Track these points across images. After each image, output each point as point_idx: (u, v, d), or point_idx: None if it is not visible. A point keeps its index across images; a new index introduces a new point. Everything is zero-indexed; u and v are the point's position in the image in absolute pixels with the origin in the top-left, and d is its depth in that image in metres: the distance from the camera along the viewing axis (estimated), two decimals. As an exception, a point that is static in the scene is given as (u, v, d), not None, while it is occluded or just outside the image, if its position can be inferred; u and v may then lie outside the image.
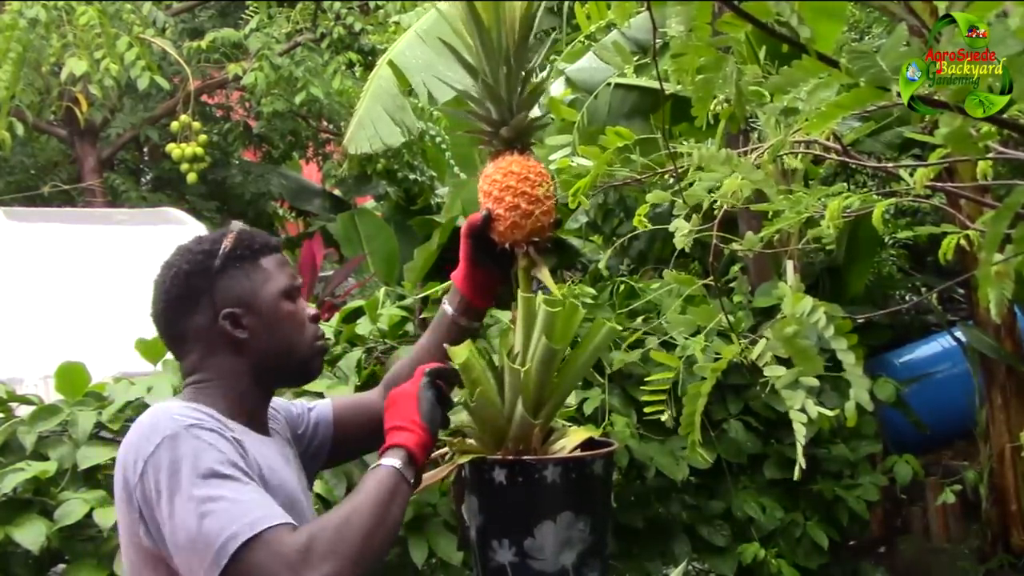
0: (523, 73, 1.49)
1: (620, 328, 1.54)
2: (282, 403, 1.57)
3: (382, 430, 1.54)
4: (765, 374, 1.29)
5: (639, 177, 1.54)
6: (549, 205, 1.48)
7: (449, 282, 1.61)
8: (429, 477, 1.44)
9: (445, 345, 1.47)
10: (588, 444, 1.51)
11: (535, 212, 1.47)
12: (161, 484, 1.21)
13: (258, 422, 1.42)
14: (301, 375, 1.46)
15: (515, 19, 1.45)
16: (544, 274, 1.49)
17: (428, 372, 1.41)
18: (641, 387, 1.77)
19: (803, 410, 1.28)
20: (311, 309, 1.45)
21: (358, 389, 2.64)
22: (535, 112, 1.59)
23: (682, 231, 1.47)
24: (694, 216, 1.47)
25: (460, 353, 1.42)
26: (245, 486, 1.21)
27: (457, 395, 1.48)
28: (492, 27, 1.45)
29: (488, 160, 1.53)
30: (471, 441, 1.47)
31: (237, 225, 1.43)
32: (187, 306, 1.37)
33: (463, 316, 1.56)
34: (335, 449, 1.59)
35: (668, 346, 3.15)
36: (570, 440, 1.49)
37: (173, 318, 1.38)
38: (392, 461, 1.31)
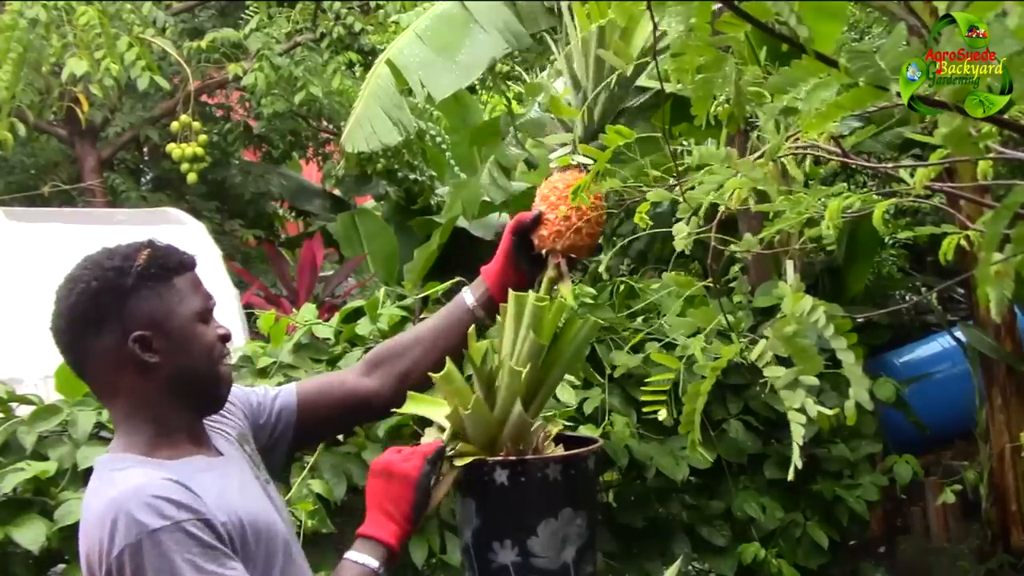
0: (619, 102, 1.52)
1: (604, 323, 1.56)
2: (240, 393, 1.53)
3: (348, 413, 1.59)
4: (765, 374, 1.29)
5: (642, 185, 1.55)
6: (596, 230, 1.54)
7: (449, 282, 1.62)
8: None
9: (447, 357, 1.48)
10: (563, 438, 1.54)
11: (582, 229, 1.51)
12: None
13: (201, 441, 1.38)
14: (210, 400, 1.41)
15: (634, 50, 1.47)
16: (566, 289, 1.51)
17: (429, 459, 1.39)
18: (642, 387, 1.79)
19: (802, 410, 1.28)
20: (221, 329, 1.40)
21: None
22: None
23: (682, 233, 1.48)
24: (694, 218, 1.47)
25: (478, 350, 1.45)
26: None
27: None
28: (612, 52, 1.46)
29: (557, 170, 1.57)
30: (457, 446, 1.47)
31: (152, 240, 1.37)
32: (94, 325, 1.30)
33: (481, 309, 1.56)
34: (299, 434, 1.57)
35: (668, 346, 3.15)
36: (552, 434, 1.51)
37: (78, 336, 1.32)
38: (373, 562, 1.33)
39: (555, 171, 1.57)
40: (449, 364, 1.43)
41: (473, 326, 1.53)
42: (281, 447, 1.56)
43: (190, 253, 1.40)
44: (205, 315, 1.37)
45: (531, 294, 1.48)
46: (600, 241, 5.57)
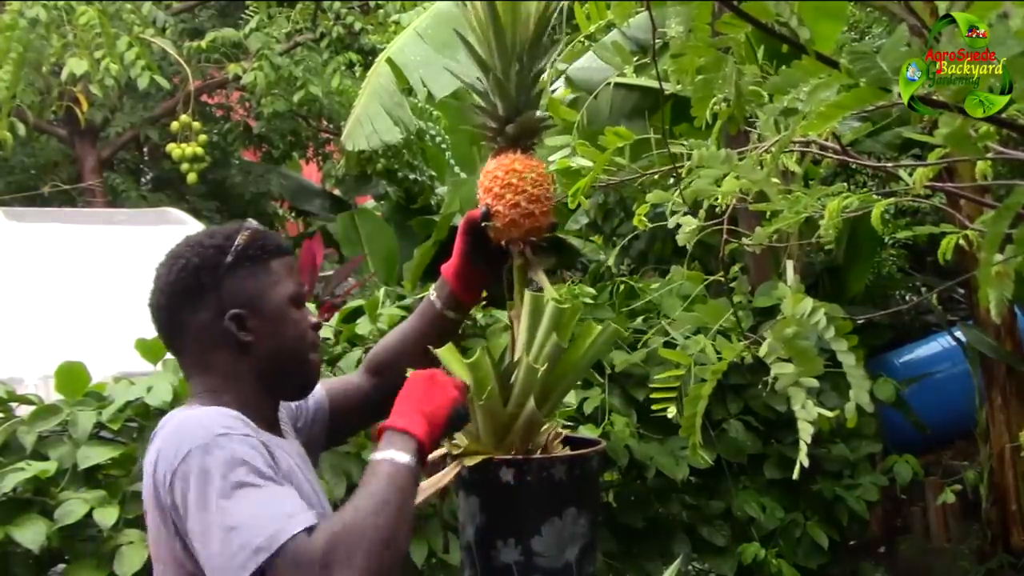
0: (533, 72, 1.49)
1: (623, 330, 1.56)
2: None
3: (368, 414, 1.57)
4: (773, 371, 1.29)
5: (640, 174, 1.54)
6: (548, 206, 1.49)
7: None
8: (432, 483, 1.44)
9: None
10: (564, 438, 1.53)
11: (535, 211, 1.47)
12: (189, 497, 1.18)
13: (274, 426, 1.40)
14: (300, 386, 1.43)
15: (531, 18, 1.46)
16: (539, 274, 1.49)
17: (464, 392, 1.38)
18: (649, 385, 1.79)
19: (804, 409, 1.28)
20: (313, 317, 1.41)
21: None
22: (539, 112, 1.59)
23: (687, 228, 1.47)
24: (700, 212, 1.47)
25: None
26: (271, 492, 1.18)
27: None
28: (508, 24, 1.45)
29: (490, 157, 1.53)
30: (461, 439, 1.47)
31: (251, 223, 1.40)
32: (192, 300, 1.34)
33: (450, 310, 1.56)
34: (330, 434, 1.59)
35: (668, 346, 3.15)
36: (554, 434, 1.51)
37: (176, 311, 1.35)
38: (406, 457, 1.24)
39: (490, 159, 1.53)
40: (479, 352, 1.42)
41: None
42: (317, 447, 1.56)
43: (285, 240, 1.43)
44: (299, 300, 1.39)
45: (550, 293, 1.46)
46: (598, 239, 5.58)
